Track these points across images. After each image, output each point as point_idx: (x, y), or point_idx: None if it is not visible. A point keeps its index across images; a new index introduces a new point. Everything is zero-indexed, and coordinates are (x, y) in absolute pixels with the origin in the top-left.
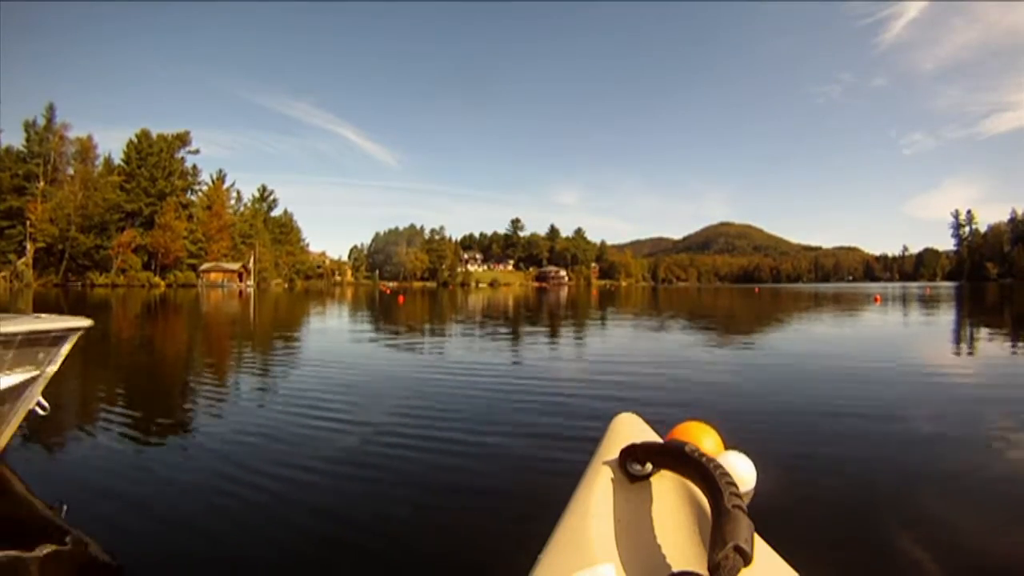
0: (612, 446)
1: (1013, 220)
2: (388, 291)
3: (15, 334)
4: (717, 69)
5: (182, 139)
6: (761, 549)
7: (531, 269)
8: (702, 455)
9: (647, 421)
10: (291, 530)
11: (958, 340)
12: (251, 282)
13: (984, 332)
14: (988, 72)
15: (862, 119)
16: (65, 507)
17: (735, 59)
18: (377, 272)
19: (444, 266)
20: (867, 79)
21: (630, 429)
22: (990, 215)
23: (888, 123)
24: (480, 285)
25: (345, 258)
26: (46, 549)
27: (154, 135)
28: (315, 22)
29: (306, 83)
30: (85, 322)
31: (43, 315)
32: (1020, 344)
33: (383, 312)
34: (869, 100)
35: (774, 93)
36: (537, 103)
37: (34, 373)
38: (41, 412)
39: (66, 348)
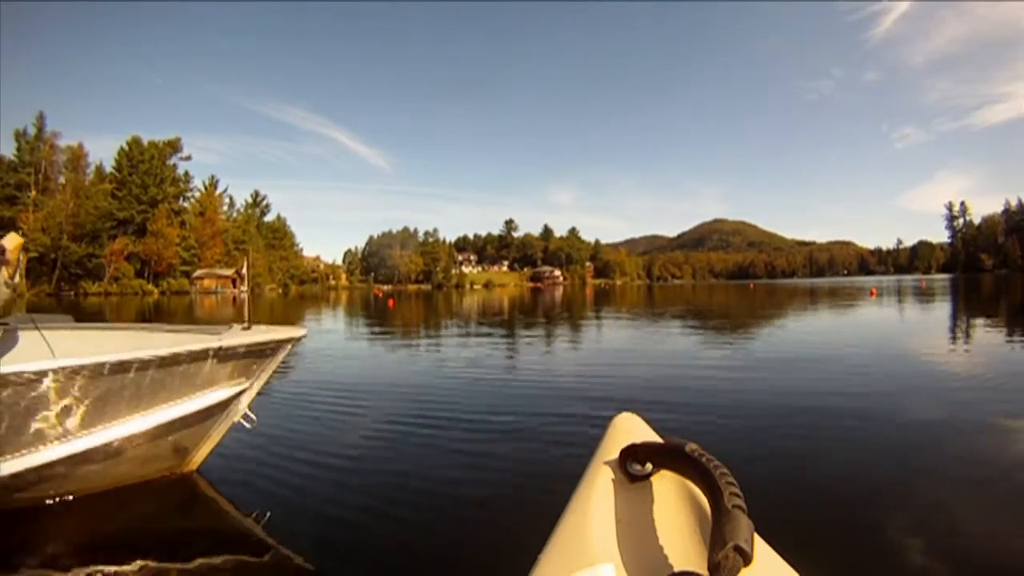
0: (612, 446)
1: (1007, 211)
2: (381, 295)
3: (234, 347)
4: (710, 67)
5: (173, 146)
6: (761, 549)
7: (526, 269)
8: (703, 455)
9: (647, 421)
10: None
11: (955, 335)
12: (245, 288)
13: (982, 326)
14: (979, 64)
15: (854, 114)
16: (267, 516)
17: (727, 57)
18: (372, 275)
19: (438, 268)
20: (858, 74)
21: (630, 429)
22: (984, 206)
23: (880, 117)
24: (475, 287)
25: (339, 262)
26: (250, 558)
27: (145, 142)
28: (307, 27)
29: (299, 87)
30: (299, 332)
31: (257, 326)
32: (1019, 337)
33: (376, 317)
34: (861, 95)
35: (767, 89)
36: (531, 103)
37: (245, 385)
38: (248, 425)
39: (279, 359)
